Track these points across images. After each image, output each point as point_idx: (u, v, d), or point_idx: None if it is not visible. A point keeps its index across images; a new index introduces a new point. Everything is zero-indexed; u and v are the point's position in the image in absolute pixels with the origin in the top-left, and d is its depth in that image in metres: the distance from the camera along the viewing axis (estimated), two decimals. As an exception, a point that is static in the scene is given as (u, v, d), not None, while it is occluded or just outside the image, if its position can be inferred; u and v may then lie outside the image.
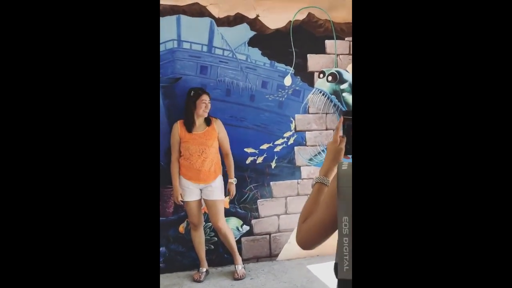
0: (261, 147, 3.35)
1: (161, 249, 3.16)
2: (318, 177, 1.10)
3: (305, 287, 2.94)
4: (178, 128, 2.92)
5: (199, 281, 2.99)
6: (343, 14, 3.41)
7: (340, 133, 1.12)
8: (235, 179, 3.08)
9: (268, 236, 3.44)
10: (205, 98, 2.88)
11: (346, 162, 0.96)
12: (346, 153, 1.09)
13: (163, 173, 3.00)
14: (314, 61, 3.41)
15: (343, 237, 0.91)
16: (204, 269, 3.06)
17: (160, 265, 3.15)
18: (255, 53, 3.25)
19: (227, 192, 3.10)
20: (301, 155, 3.43)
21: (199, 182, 2.92)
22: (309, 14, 3.34)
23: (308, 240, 1.04)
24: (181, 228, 3.21)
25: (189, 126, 2.89)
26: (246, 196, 3.34)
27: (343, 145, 1.09)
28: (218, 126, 2.99)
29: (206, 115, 2.92)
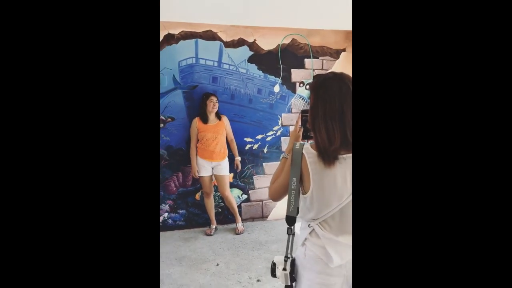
0: (256, 137, 3.80)
1: (182, 211, 3.66)
2: (283, 154, 1.28)
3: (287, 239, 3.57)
4: (196, 122, 3.43)
5: (210, 235, 3.52)
6: (318, 39, 3.86)
7: (299, 124, 1.29)
8: (239, 157, 3.63)
9: (261, 202, 3.90)
10: (213, 98, 3.38)
11: (298, 143, 1.15)
12: (302, 138, 1.28)
13: (185, 156, 3.55)
14: (296, 74, 3.84)
15: (291, 190, 1.14)
16: (214, 226, 3.60)
17: (182, 223, 3.66)
18: (253, 68, 3.69)
19: (234, 167, 3.59)
20: (285, 143, 3.86)
21: (212, 160, 3.43)
22: (293, 39, 3.78)
23: (276, 195, 1.25)
24: (197, 196, 3.70)
25: (205, 119, 3.40)
26: (245, 173, 3.81)
27: (300, 133, 1.28)
28: (225, 120, 3.53)
29: (214, 111, 3.39)
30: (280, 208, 3.98)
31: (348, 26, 3.86)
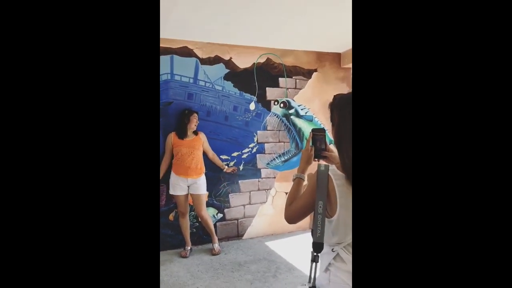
0: (232, 155, 3.67)
1: (154, 233, 3.54)
2: (297, 174, 1.22)
3: (265, 258, 3.25)
4: (172, 137, 3.23)
5: (185, 257, 3.23)
6: (291, 59, 3.83)
7: (310, 144, 1.23)
8: (227, 166, 3.54)
9: (236, 221, 3.74)
10: (196, 115, 3.25)
11: (323, 164, 1.08)
12: (314, 158, 1.21)
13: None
14: (271, 92, 3.79)
15: (317, 214, 1.05)
16: (189, 247, 3.32)
17: (153, 246, 3.54)
18: (229, 85, 3.59)
19: (232, 171, 3.55)
20: (261, 160, 3.79)
21: (188, 177, 3.18)
22: (268, 59, 3.74)
23: (295, 217, 1.16)
24: (171, 216, 3.44)
25: (182, 135, 3.21)
26: (220, 191, 3.62)
27: (312, 152, 1.22)
28: (203, 136, 3.33)
29: (195, 128, 3.25)
30: (255, 226, 3.80)
31: (319, 48, 3.93)
